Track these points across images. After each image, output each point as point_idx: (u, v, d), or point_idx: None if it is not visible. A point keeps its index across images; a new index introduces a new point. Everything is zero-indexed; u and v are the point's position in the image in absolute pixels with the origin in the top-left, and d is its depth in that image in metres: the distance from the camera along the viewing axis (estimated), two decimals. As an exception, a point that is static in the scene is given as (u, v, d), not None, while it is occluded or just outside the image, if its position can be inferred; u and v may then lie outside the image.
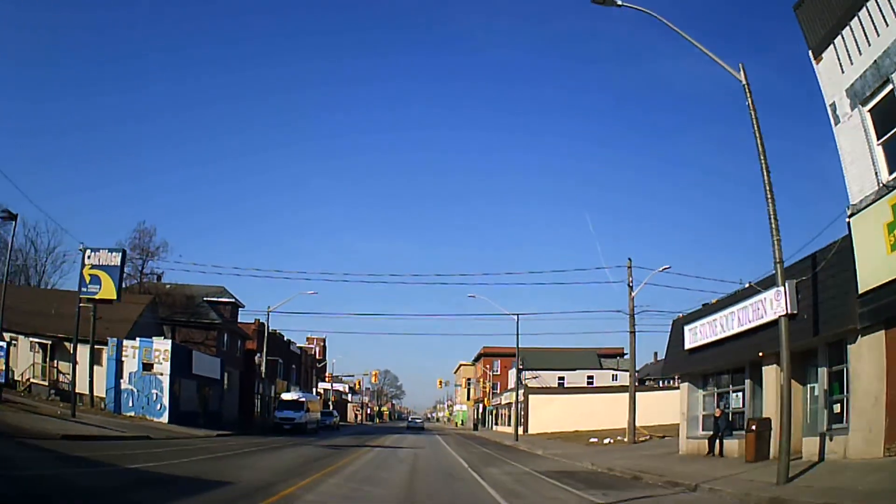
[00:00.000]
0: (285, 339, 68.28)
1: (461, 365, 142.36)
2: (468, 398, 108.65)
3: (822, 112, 15.92)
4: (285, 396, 47.71)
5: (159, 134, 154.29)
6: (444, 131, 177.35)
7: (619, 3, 14.46)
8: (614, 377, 75.23)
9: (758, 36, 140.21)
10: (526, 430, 58.66)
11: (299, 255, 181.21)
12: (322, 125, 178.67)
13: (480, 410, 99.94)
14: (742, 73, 14.73)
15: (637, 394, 61.19)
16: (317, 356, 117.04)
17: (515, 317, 44.70)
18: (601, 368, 78.57)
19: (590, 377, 74.09)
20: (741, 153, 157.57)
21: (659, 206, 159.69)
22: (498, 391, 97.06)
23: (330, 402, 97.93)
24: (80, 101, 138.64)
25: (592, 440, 39.40)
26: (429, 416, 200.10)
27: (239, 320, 57.03)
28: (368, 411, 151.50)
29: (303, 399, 46.20)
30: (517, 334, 44.55)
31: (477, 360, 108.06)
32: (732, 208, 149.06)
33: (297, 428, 43.45)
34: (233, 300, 52.45)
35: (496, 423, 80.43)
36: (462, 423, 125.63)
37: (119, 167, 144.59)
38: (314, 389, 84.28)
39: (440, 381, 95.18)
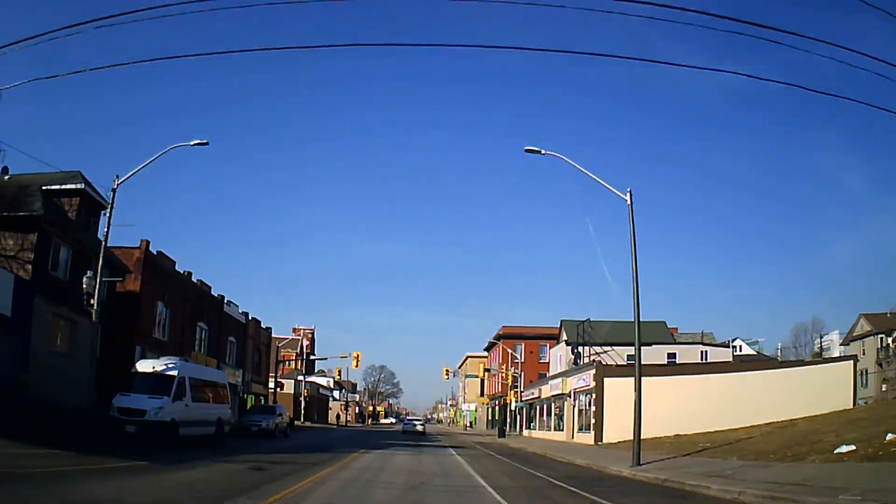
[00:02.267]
0: (213, 292, 44.48)
1: (468, 357, 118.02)
2: (482, 394, 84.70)
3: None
4: (141, 366, 23.10)
5: (157, 135, 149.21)
6: (443, 133, 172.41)
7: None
8: (703, 355, 51.58)
9: (758, 36, 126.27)
10: (600, 435, 35.08)
11: (300, 255, 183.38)
12: (323, 127, 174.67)
13: (499, 409, 76.16)
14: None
15: (776, 371, 37.89)
16: (304, 350, 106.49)
17: (627, 194, 20.92)
18: (675, 343, 54.99)
19: (670, 354, 50.20)
20: (740, 155, 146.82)
21: (657, 208, 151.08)
22: (521, 384, 73.63)
23: (302, 400, 74.28)
24: (79, 103, 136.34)
25: (842, 449, 15.87)
26: (428, 416, 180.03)
27: (118, 245, 33.05)
28: (358, 411, 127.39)
29: (172, 372, 21.87)
30: (631, 222, 20.64)
31: (493, 344, 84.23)
32: (732, 210, 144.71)
33: (151, 431, 19.57)
34: (80, 186, 28.50)
35: (529, 426, 56.47)
36: (472, 426, 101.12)
37: (115, 168, 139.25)
38: (273, 379, 60.28)
39: (446, 370, 71.28)
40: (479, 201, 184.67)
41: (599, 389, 35.30)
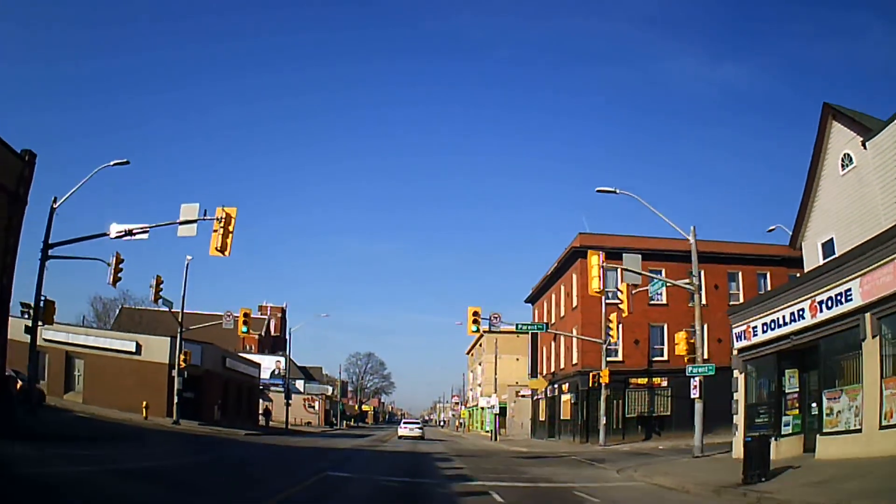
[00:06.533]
0: None
1: (485, 333, 78.52)
2: (533, 373, 45.57)
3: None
4: None
5: (158, 137, 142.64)
6: (442, 135, 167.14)
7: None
8: None
9: (758, 36, 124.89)
10: None
11: (300, 255, 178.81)
12: (322, 129, 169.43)
13: (582, 396, 37.93)
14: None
15: None
16: (272, 330, 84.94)
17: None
18: None
19: None
20: (739, 156, 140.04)
21: (657, 207, 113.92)
22: (620, 341, 36.86)
23: (176, 377, 35.44)
24: (79, 102, 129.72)
25: None
26: (426, 418, 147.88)
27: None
28: (328, 408, 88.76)
29: None
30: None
31: (563, 267, 45.14)
32: (731, 211, 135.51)
33: None
34: None
35: (781, 427, 17.73)
36: (498, 433, 61.86)
37: (114, 169, 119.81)
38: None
39: (472, 312, 32.95)
40: (478, 202, 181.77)
41: None
